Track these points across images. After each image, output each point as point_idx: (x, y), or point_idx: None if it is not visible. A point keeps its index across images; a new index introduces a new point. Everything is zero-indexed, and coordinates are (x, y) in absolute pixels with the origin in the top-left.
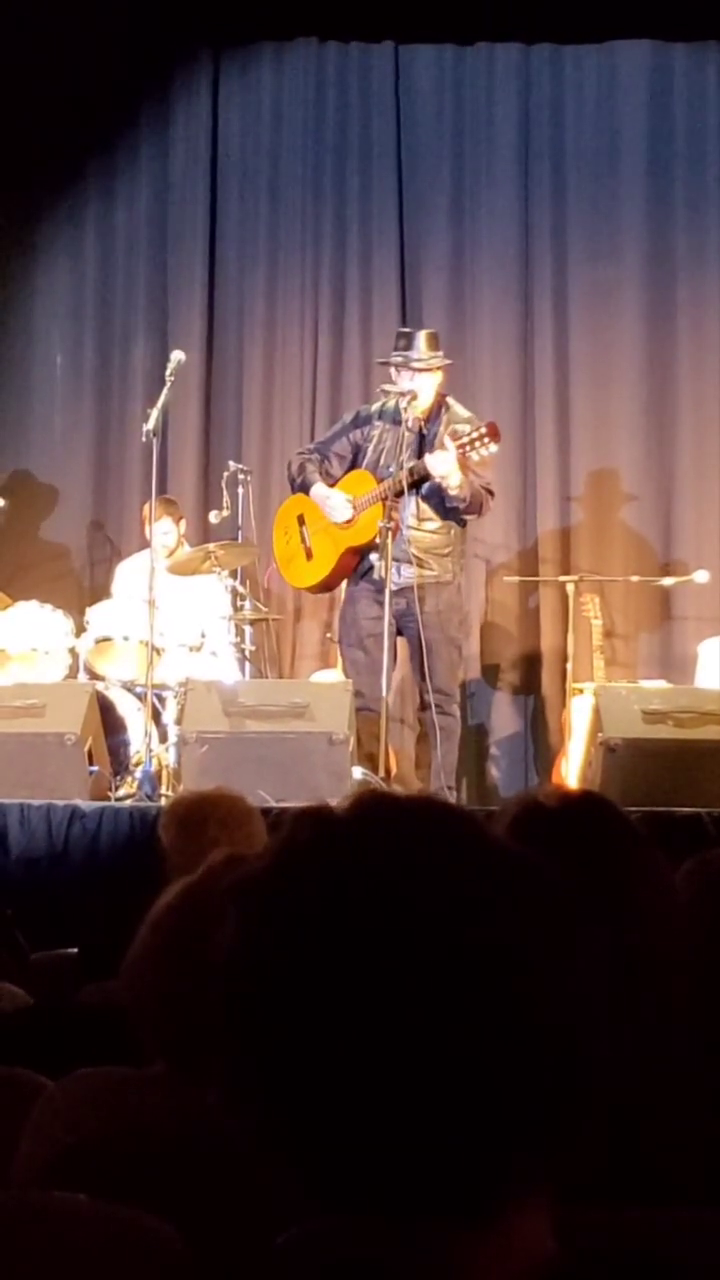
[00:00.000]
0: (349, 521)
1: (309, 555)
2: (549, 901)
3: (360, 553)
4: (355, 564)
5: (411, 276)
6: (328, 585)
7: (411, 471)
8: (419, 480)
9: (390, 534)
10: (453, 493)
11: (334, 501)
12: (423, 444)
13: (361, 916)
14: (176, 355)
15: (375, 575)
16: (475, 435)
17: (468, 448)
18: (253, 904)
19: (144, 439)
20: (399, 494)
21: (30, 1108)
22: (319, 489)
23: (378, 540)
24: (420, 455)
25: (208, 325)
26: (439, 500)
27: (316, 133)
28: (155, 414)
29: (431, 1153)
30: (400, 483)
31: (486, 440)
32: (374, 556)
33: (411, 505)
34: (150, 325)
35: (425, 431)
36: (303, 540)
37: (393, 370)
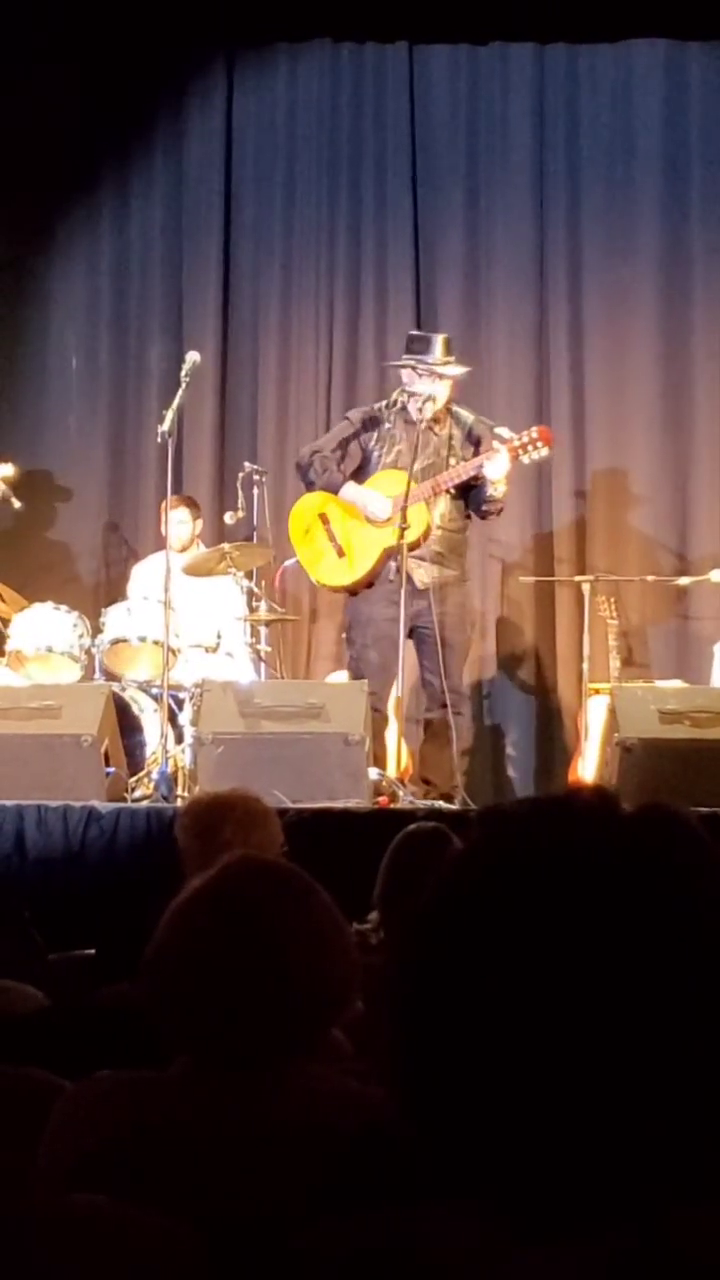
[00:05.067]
0: (390, 520)
1: (340, 553)
2: None
3: (396, 553)
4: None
5: (426, 276)
6: (361, 585)
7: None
8: (466, 481)
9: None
10: (499, 495)
11: (372, 500)
12: (435, 445)
13: (561, 916)
14: (191, 356)
15: (392, 575)
16: (528, 439)
17: (520, 451)
18: (450, 911)
19: (159, 440)
20: (443, 493)
21: (48, 1109)
22: (351, 489)
23: (422, 540)
24: (447, 457)
25: (223, 326)
26: (470, 500)
27: (331, 133)
28: (170, 415)
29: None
30: (450, 480)
31: (540, 444)
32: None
33: (442, 505)
34: (165, 326)
35: (440, 433)
36: (331, 538)
37: (404, 373)
